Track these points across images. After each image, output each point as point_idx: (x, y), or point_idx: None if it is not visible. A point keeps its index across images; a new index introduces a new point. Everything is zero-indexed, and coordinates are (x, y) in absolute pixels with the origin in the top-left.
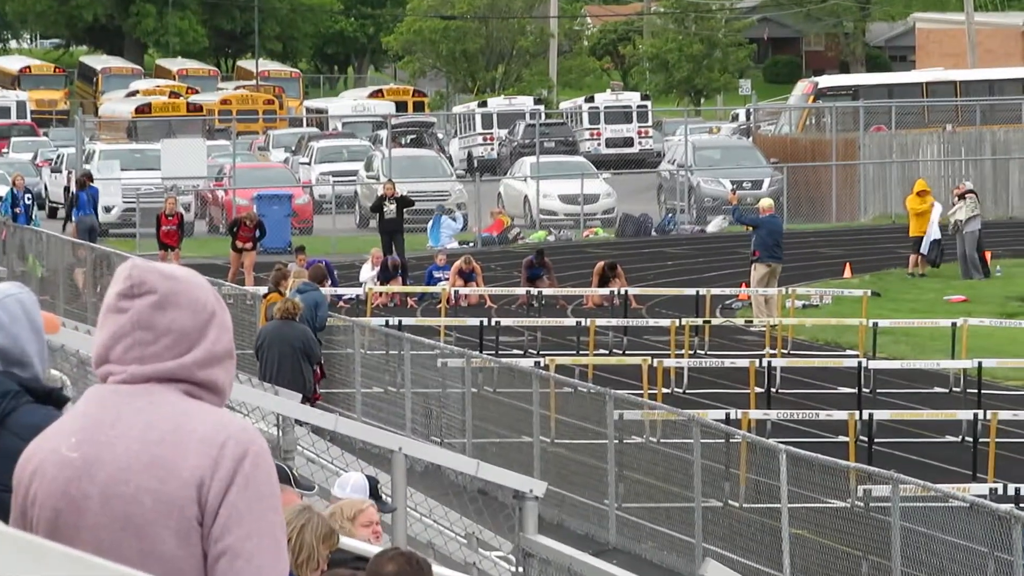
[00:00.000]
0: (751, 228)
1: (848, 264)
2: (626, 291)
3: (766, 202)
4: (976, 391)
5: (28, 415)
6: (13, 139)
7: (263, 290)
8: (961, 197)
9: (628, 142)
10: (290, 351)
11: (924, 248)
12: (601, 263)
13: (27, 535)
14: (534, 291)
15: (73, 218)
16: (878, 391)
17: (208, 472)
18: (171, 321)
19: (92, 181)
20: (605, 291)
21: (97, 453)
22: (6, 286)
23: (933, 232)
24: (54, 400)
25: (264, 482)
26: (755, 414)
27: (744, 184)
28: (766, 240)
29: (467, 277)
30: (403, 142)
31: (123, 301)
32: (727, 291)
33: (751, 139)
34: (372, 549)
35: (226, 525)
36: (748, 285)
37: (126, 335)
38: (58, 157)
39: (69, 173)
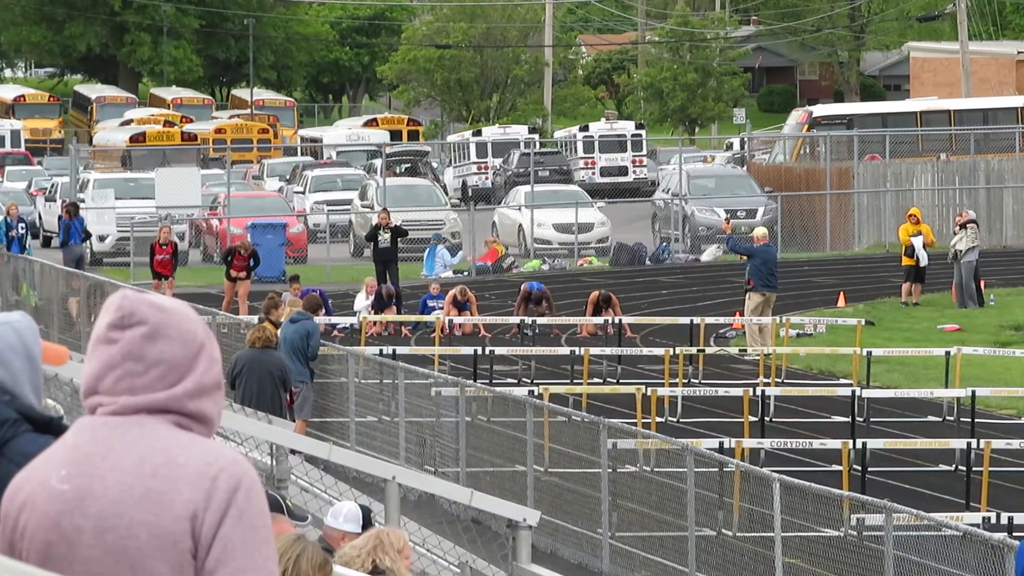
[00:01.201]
0: (745, 257)
1: (842, 293)
2: (620, 320)
3: (760, 231)
4: (970, 420)
5: (27, 444)
6: (7, 168)
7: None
8: (963, 226)
9: (622, 171)
10: (270, 379)
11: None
12: (596, 293)
13: (21, 565)
14: (528, 320)
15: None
16: (872, 420)
17: (201, 505)
18: (161, 352)
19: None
20: (599, 320)
21: (89, 485)
22: (7, 315)
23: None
24: (53, 429)
25: (257, 514)
26: (749, 443)
27: (738, 213)
28: (760, 269)
29: (461, 306)
30: (398, 171)
31: (113, 332)
32: (721, 320)
33: (745, 168)
34: None
35: (220, 558)
36: (742, 314)
37: (116, 366)
38: (52, 186)
39: (63, 202)
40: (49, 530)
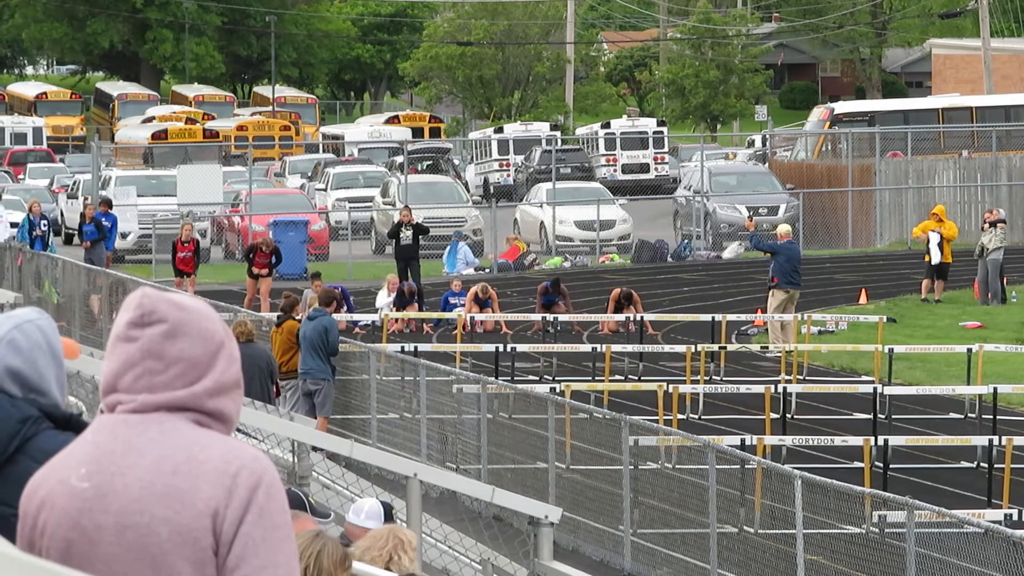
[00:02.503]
0: (769, 255)
1: (864, 290)
2: (642, 317)
3: (784, 228)
4: (991, 417)
5: (48, 441)
6: (29, 165)
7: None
8: (992, 224)
9: (644, 168)
10: (258, 372)
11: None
12: (617, 291)
13: (44, 562)
14: (549, 317)
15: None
16: (893, 417)
17: (223, 502)
18: (180, 351)
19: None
20: (621, 317)
21: (110, 483)
22: (25, 311)
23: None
24: (74, 426)
25: (278, 512)
26: (770, 440)
27: (760, 210)
28: (784, 266)
29: (483, 304)
30: (419, 168)
31: (133, 330)
32: (743, 317)
33: (767, 165)
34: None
35: (242, 555)
36: (764, 311)
37: (136, 364)
38: (74, 183)
39: (85, 199)
40: (69, 528)
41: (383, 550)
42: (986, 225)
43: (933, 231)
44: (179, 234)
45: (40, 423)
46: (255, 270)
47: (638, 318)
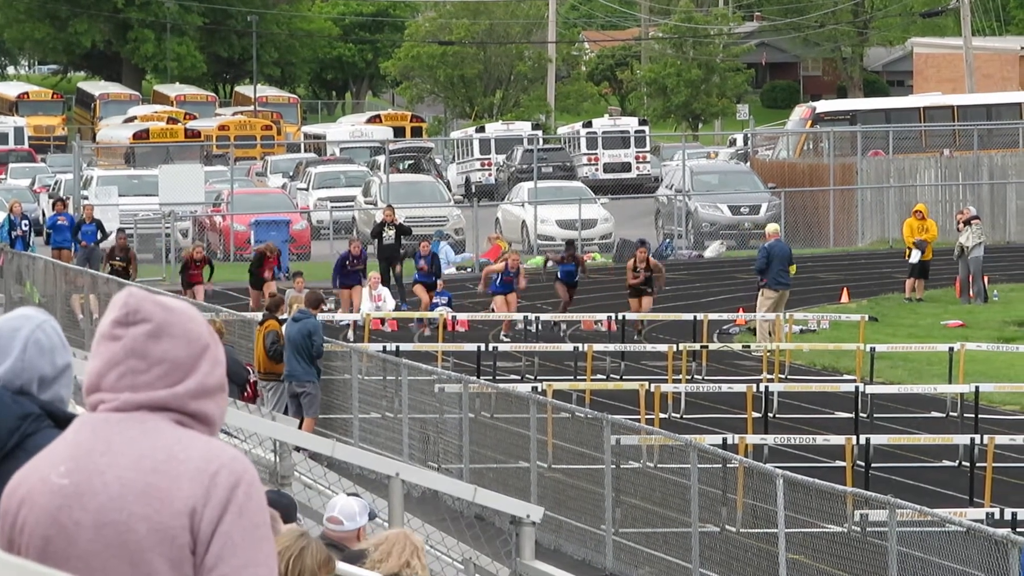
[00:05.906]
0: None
1: (845, 289)
2: (623, 316)
3: (772, 227)
4: (973, 416)
5: (47, 440)
6: (11, 165)
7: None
8: (967, 223)
9: (626, 167)
10: None
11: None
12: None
13: (22, 560)
14: (531, 316)
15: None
16: (875, 416)
17: (201, 501)
18: (164, 351)
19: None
20: (602, 316)
21: (89, 481)
22: (28, 311)
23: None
24: None
25: (257, 511)
26: (752, 439)
27: (742, 209)
28: (773, 266)
29: (508, 286)
30: (401, 168)
31: (117, 329)
32: (725, 316)
33: (749, 164)
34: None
35: (220, 554)
36: (746, 310)
37: (119, 363)
38: (56, 183)
39: (66, 199)
40: (48, 525)
41: (401, 556)
42: (960, 225)
43: (920, 243)
44: (191, 252)
45: (40, 421)
46: (265, 275)
47: (620, 317)
